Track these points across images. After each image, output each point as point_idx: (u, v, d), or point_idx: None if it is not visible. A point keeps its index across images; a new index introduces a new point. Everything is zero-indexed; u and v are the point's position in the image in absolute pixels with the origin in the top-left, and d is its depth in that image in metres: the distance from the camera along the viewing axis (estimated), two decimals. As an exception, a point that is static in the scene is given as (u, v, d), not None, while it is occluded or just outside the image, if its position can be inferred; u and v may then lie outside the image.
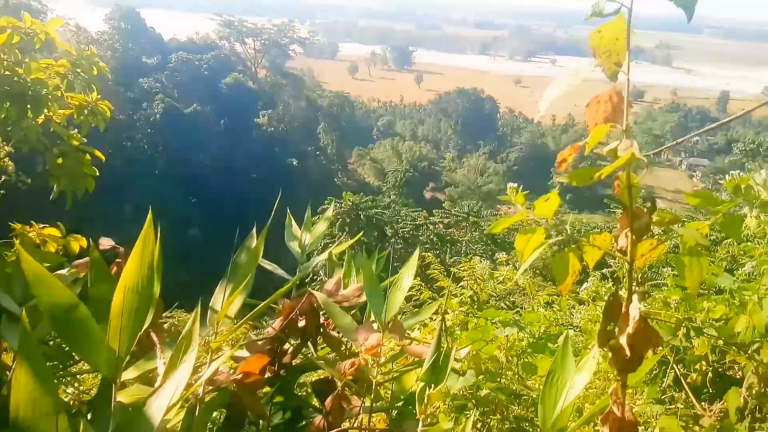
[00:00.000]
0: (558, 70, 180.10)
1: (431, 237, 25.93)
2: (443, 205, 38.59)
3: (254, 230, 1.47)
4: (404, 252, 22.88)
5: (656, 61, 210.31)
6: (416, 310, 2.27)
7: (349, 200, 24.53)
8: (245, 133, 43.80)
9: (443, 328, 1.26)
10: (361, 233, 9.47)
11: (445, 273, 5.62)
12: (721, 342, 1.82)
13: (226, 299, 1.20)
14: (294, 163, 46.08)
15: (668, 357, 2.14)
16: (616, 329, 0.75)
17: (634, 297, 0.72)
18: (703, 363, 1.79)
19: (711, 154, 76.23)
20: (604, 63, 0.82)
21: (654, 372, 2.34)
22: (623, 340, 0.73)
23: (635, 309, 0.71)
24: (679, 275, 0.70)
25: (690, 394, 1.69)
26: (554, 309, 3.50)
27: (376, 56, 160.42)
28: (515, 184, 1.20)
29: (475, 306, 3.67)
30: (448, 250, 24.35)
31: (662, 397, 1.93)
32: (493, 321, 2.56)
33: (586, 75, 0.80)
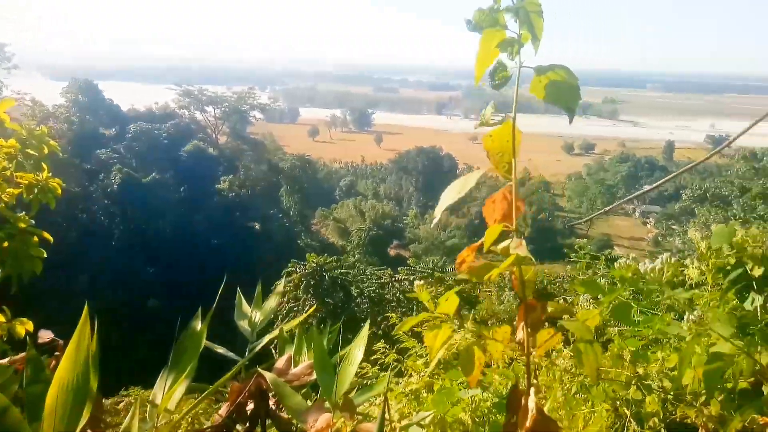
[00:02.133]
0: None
1: (397, 295, 25.75)
2: (408, 262, 38.60)
3: (199, 311, 1.45)
4: (371, 312, 22.59)
5: (603, 115, 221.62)
6: (369, 383, 2.24)
7: (313, 262, 24.28)
8: (206, 199, 43.42)
9: (386, 409, 1.25)
10: (314, 307, 9.34)
11: (410, 333, 5.56)
12: (671, 396, 1.85)
13: (167, 392, 1.17)
14: (256, 226, 45.69)
15: (624, 412, 2.16)
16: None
17: (532, 390, 0.75)
18: (656, 419, 1.82)
19: (662, 201, 79.41)
20: (498, 163, 0.89)
21: (615, 427, 2.35)
22: (523, 436, 0.75)
23: (533, 402, 0.74)
24: (577, 362, 0.74)
25: None
26: (520, 364, 3.49)
27: (336, 119, 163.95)
28: (422, 283, 1.24)
29: (441, 366, 3.63)
30: (414, 307, 24.21)
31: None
32: (459, 382, 2.54)
33: (475, 179, 0.87)
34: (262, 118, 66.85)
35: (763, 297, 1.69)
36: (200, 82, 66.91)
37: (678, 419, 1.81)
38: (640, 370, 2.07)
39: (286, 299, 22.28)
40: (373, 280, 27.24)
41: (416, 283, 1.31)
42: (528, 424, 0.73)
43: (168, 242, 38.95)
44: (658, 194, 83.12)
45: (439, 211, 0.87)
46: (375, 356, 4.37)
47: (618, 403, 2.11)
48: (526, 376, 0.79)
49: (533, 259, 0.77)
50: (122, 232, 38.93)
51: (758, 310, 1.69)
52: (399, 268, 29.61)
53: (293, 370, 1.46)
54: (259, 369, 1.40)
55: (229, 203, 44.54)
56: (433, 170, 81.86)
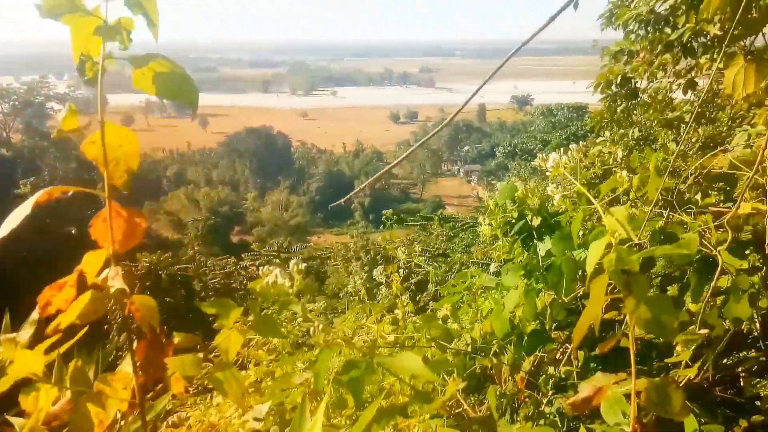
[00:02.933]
0: (340, 100, 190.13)
1: (244, 282, 24.95)
2: (252, 246, 37.50)
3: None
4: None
5: (422, 84, 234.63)
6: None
7: (146, 261, 22.35)
8: (4, 208, 37.41)
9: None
10: (84, 330, 8.55)
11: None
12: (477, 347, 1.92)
13: None
14: (72, 231, 40.71)
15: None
16: None
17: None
18: (455, 374, 1.89)
19: (481, 160, 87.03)
20: (113, 173, 0.75)
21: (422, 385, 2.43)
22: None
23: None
24: (219, 391, 0.68)
25: (461, 399, 1.76)
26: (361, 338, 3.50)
27: (152, 104, 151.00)
28: (270, 268, 1.08)
29: (285, 352, 3.54)
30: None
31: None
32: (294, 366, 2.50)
33: (30, 205, 0.75)
34: (62, 110, 58.76)
35: (543, 243, 1.83)
36: (-24, 72, 56.73)
37: (478, 370, 1.87)
38: (456, 326, 2.12)
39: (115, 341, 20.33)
40: (217, 271, 26.02)
41: (262, 270, 1.13)
42: None
43: (-39, 264, 33.01)
44: (477, 154, 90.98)
45: (4, 231, 0.72)
46: (214, 354, 4.12)
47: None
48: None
49: (127, 290, 0.66)
50: None
51: (539, 256, 1.81)
52: (243, 255, 28.65)
53: (53, 408, 1.21)
54: (7, 416, 1.13)
55: (36, 209, 38.91)
56: (266, 150, 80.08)
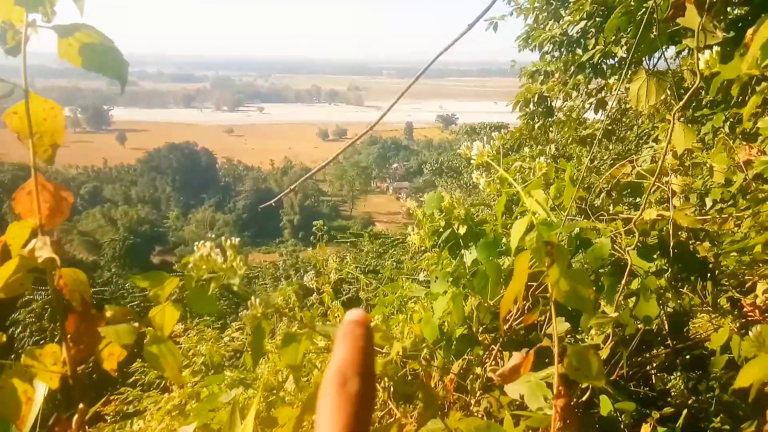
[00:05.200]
0: (267, 116, 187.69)
1: (167, 305, 23.82)
2: (174, 267, 35.96)
3: None
4: (139, 329, 20.49)
5: (350, 102, 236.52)
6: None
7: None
8: None
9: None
10: None
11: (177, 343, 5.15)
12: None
13: None
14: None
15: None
16: None
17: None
18: (386, 378, 1.93)
19: (409, 177, 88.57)
20: (38, 147, 0.73)
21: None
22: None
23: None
24: (155, 367, 0.68)
25: (390, 400, 1.78)
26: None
27: (65, 119, 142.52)
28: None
29: (212, 371, 3.43)
30: (188, 314, 22.73)
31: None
32: (221, 385, 2.42)
33: None
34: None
35: (469, 251, 1.92)
36: None
37: (408, 373, 1.92)
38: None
39: (28, 333, 18.80)
40: (136, 294, 24.73)
41: (196, 245, 1.09)
42: None
43: None
44: (406, 171, 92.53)
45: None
46: (134, 377, 3.92)
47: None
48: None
49: (57, 260, 0.65)
50: None
51: (466, 264, 1.89)
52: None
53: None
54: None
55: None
56: (190, 167, 77.47)
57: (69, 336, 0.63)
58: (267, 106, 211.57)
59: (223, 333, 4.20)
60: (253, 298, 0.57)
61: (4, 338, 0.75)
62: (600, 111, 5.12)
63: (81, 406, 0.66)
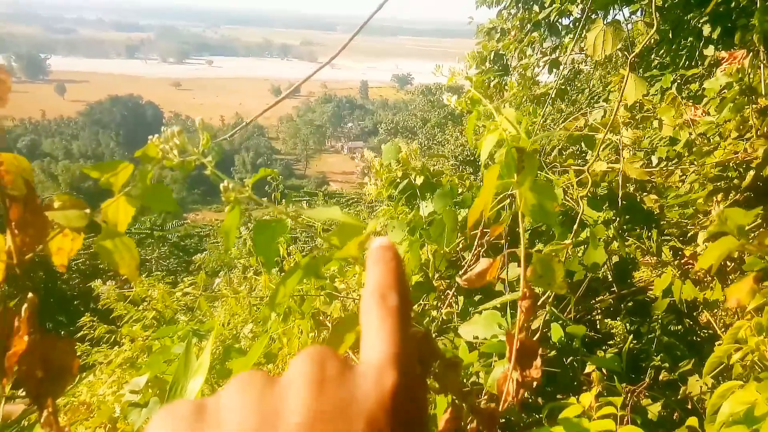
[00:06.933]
0: (216, 70, 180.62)
1: (114, 263, 23.15)
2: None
3: None
4: (82, 286, 19.90)
5: (303, 58, 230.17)
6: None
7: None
8: None
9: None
10: None
11: (124, 298, 5.05)
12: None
13: None
14: None
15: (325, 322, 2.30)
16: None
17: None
18: None
19: (364, 137, 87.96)
20: None
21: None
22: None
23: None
24: (109, 263, 0.64)
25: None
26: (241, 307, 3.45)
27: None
28: None
29: (164, 324, 3.41)
30: (141, 272, 22.16)
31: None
32: (173, 337, 2.40)
33: None
34: None
35: (425, 203, 1.95)
36: None
37: None
38: (342, 284, 2.18)
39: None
40: (80, 252, 23.92)
41: (164, 130, 1.03)
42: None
43: None
44: (361, 131, 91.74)
45: None
46: (83, 332, 3.85)
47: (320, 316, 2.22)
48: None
49: None
50: None
51: (422, 214, 1.92)
52: (111, 234, 26.49)
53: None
54: None
55: None
56: (134, 121, 74.32)
57: (13, 224, 0.59)
58: (216, 59, 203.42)
59: (175, 288, 4.13)
60: (226, 181, 0.55)
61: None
62: (554, 71, 5.18)
63: (30, 295, 0.62)
